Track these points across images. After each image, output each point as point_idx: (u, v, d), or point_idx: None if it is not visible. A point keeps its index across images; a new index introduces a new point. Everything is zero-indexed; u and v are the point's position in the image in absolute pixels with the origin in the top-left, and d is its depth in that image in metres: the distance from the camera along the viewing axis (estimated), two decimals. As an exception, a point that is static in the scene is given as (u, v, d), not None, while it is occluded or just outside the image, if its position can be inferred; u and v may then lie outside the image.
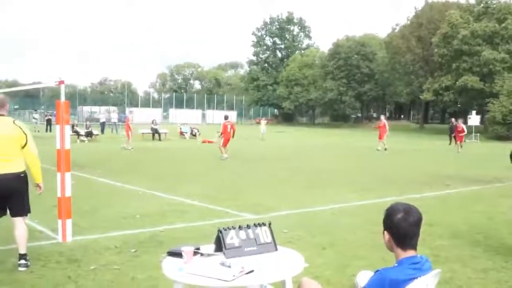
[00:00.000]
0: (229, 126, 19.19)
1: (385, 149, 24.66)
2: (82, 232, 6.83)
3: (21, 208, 5.47)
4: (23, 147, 5.42)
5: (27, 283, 4.86)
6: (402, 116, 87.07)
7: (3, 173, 5.26)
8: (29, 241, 5.75)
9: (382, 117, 28.10)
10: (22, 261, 5.34)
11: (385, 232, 2.67)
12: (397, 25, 64.28)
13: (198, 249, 3.38)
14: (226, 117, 20.08)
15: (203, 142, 30.62)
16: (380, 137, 25.68)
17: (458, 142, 26.39)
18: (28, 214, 5.66)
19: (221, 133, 19.23)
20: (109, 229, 7.15)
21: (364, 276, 4.26)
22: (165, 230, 7.11)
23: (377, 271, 2.62)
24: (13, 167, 5.33)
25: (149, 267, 5.30)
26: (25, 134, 5.45)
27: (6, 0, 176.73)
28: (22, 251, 5.39)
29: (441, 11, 53.96)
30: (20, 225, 5.45)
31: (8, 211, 5.48)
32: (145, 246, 6.22)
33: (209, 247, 3.46)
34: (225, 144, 19.10)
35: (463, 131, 26.86)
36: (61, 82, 6.62)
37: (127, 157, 19.55)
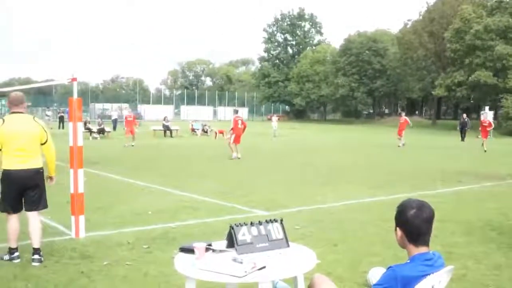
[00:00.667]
0: (239, 122, 18.16)
1: (403, 144, 24.99)
2: (95, 228, 6.87)
3: (38, 202, 5.63)
4: (43, 144, 5.61)
5: (41, 278, 4.91)
6: (418, 112, 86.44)
7: (26, 168, 5.44)
8: (43, 237, 5.82)
9: (403, 113, 28.03)
10: (36, 256, 5.43)
11: (398, 228, 2.66)
12: (409, 20, 63.75)
13: (210, 245, 3.39)
14: (236, 112, 19.32)
15: (219, 132, 31.00)
16: (399, 133, 25.86)
17: (484, 139, 24.19)
18: (43, 210, 5.75)
19: (231, 129, 18.05)
20: (122, 225, 7.19)
21: (376, 273, 4.26)
22: (177, 227, 7.14)
23: (389, 267, 2.61)
24: (34, 163, 5.52)
25: (162, 263, 5.33)
26: (46, 132, 5.66)
27: (19, 1, 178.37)
28: (36, 245, 5.48)
29: (454, 6, 53.45)
30: (34, 220, 5.57)
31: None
32: (157, 242, 6.25)
33: (221, 243, 3.47)
34: (237, 141, 17.85)
35: (490, 125, 25.60)
36: (74, 79, 6.67)
37: (139, 154, 19.65)
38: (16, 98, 5.63)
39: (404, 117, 26.57)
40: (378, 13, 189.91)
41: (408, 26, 62.60)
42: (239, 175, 13.36)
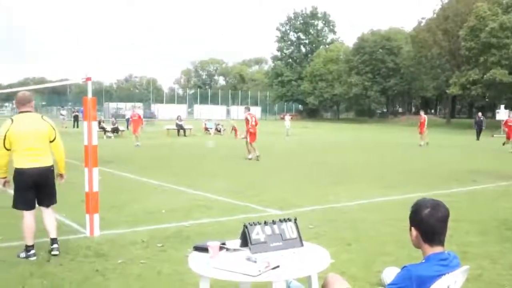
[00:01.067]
0: (253, 118, 17.44)
1: (423, 144, 24.85)
2: (109, 226, 6.92)
3: (50, 198, 5.82)
4: (51, 141, 5.70)
5: (56, 275, 4.96)
6: (431, 111, 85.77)
7: (38, 167, 5.56)
8: (58, 235, 5.89)
9: (422, 112, 27.81)
10: (55, 245, 5.66)
11: (412, 228, 2.64)
12: (423, 18, 63.25)
13: (224, 244, 3.40)
14: (248, 109, 18.62)
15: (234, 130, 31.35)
16: (421, 132, 25.71)
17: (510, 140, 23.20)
18: (58, 208, 5.83)
19: (247, 128, 17.24)
20: (136, 223, 7.24)
21: (390, 273, 4.24)
22: (190, 225, 7.16)
23: (404, 267, 2.60)
24: (45, 161, 5.64)
25: (175, 262, 5.35)
26: (54, 130, 5.75)
27: (34, 1, 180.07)
28: (53, 235, 5.70)
29: (468, 4, 52.92)
30: (49, 213, 5.78)
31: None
32: (171, 241, 6.28)
33: (235, 242, 3.48)
34: (253, 139, 17.14)
35: None
36: (88, 79, 6.71)
37: (152, 153, 19.75)
38: (24, 97, 5.72)
39: (424, 116, 26.36)
40: (392, 11, 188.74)
41: (422, 24, 62.11)
42: (252, 174, 13.37)
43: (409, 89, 71.72)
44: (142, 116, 26.32)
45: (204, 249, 3.31)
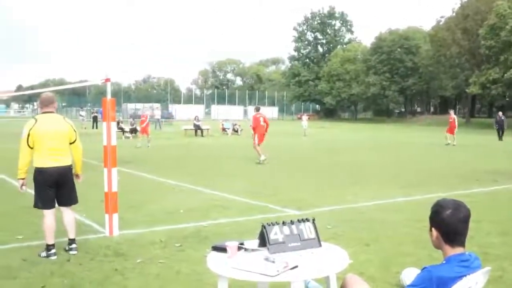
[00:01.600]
0: (261, 119, 16.40)
1: (449, 144, 24.62)
2: (128, 226, 6.97)
3: (70, 197, 5.90)
4: (72, 143, 5.80)
5: (76, 275, 5.02)
6: (455, 110, 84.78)
7: (59, 166, 5.65)
8: (78, 235, 5.97)
9: (451, 112, 27.52)
10: (73, 245, 5.76)
11: (433, 229, 2.61)
12: (442, 17, 62.59)
13: (242, 244, 3.40)
14: (257, 109, 17.44)
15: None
16: (451, 132, 25.46)
17: None
18: (78, 209, 5.90)
19: (253, 128, 16.51)
20: (154, 223, 7.28)
21: (410, 273, 4.21)
22: (208, 225, 7.18)
23: (424, 268, 2.57)
24: (65, 160, 5.74)
25: (194, 262, 5.37)
26: (75, 131, 5.85)
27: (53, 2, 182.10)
28: (72, 236, 5.79)
29: (488, 2, 52.20)
30: (68, 213, 5.87)
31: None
32: (190, 241, 6.30)
33: (253, 243, 3.47)
34: (260, 140, 16.23)
35: None
36: (107, 80, 6.78)
37: (170, 153, 19.86)
38: (47, 98, 5.82)
39: (453, 115, 26.11)
40: (410, 10, 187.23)
41: (441, 23, 61.48)
42: (270, 174, 13.36)
43: (427, 89, 71.06)
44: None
45: (222, 249, 3.31)
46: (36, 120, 5.65)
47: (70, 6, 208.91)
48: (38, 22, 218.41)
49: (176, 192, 10.33)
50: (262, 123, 16.39)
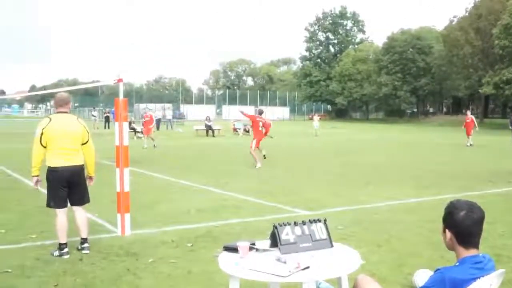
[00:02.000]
0: (260, 124, 15.56)
1: (471, 145, 24.44)
2: (140, 226, 7.00)
3: (82, 197, 5.94)
4: (84, 143, 5.82)
5: (89, 274, 5.05)
6: (463, 111, 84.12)
7: (72, 165, 5.70)
8: (90, 234, 6.00)
9: (468, 112, 27.35)
10: (86, 245, 5.81)
11: (447, 230, 2.59)
12: (454, 17, 62.15)
13: (253, 244, 3.39)
14: (260, 112, 16.25)
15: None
16: (469, 133, 25.37)
17: None
18: (90, 208, 5.93)
19: (249, 129, 16.11)
20: (166, 223, 7.31)
21: (422, 275, 4.18)
22: (219, 226, 7.19)
23: (437, 270, 2.55)
24: (78, 160, 5.78)
25: (205, 261, 5.38)
26: (88, 132, 5.89)
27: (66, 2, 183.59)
28: (84, 235, 5.84)
29: (502, 1, 51.69)
30: (80, 213, 5.91)
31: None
32: (201, 241, 6.31)
33: (265, 243, 3.47)
34: (257, 145, 15.54)
35: None
36: (120, 80, 6.81)
37: (181, 153, 19.91)
38: (62, 98, 5.87)
39: (470, 116, 26.00)
40: (422, 10, 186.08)
41: (453, 23, 61.02)
42: (281, 175, 13.35)
43: (440, 89, 70.57)
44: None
45: (233, 249, 3.31)
46: (50, 119, 5.70)
47: (81, 7, 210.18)
48: (50, 22, 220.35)
49: (187, 192, 10.35)
50: (260, 128, 15.61)
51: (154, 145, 22.60)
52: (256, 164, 14.88)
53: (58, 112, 5.81)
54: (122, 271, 5.14)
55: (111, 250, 5.90)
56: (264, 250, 3.35)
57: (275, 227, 3.40)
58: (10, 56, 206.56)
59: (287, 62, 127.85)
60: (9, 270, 5.12)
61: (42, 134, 5.57)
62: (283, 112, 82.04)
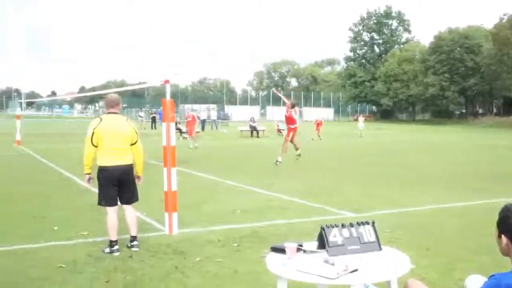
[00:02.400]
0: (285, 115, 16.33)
1: None
2: (187, 225, 7.11)
3: (132, 195, 6.08)
4: (133, 144, 5.97)
5: (138, 271, 5.18)
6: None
7: (122, 164, 5.86)
8: (139, 233, 6.14)
9: None
10: (135, 242, 5.95)
11: (502, 235, 2.52)
12: (504, 15, 60.08)
13: (301, 245, 3.40)
14: (293, 105, 16.47)
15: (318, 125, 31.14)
16: None
17: None
18: (139, 207, 6.08)
19: (289, 124, 16.26)
20: (212, 223, 7.39)
21: (475, 281, 4.05)
22: (265, 226, 7.22)
23: (491, 276, 2.48)
24: (127, 159, 5.93)
25: (251, 262, 5.42)
26: (137, 133, 6.04)
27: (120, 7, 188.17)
28: (134, 233, 5.99)
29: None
30: (130, 211, 6.05)
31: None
32: (247, 241, 6.36)
33: (312, 244, 3.47)
34: (287, 136, 16.29)
35: None
36: (166, 81, 6.95)
37: (226, 154, 20.09)
38: (112, 99, 6.05)
39: None
40: (470, 8, 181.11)
41: (503, 20, 59.07)
42: (326, 176, 13.26)
43: (490, 89, 68.42)
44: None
45: (281, 250, 3.33)
46: (101, 120, 5.88)
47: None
48: (106, 26, 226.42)
49: (232, 193, 10.44)
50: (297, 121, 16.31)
51: (196, 146, 22.68)
52: (278, 157, 15.45)
53: (109, 113, 5.98)
54: (171, 269, 5.24)
55: (159, 248, 6.02)
56: (312, 252, 3.35)
57: (322, 228, 3.39)
58: (61, 57, 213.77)
59: (331, 62, 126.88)
60: (63, 265, 5.31)
61: (93, 134, 5.75)
62: (328, 113, 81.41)
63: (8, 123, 37.98)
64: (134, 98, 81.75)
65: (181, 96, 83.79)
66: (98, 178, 5.89)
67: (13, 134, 23.99)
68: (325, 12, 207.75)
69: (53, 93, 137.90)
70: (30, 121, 49.28)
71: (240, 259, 5.60)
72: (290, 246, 3.26)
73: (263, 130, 34.36)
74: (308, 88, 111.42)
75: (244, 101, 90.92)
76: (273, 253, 3.40)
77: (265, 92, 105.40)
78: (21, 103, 55.36)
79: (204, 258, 5.63)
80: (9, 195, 9.84)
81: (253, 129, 33.63)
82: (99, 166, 5.84)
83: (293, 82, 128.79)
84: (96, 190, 6.02)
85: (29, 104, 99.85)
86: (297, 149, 16.61)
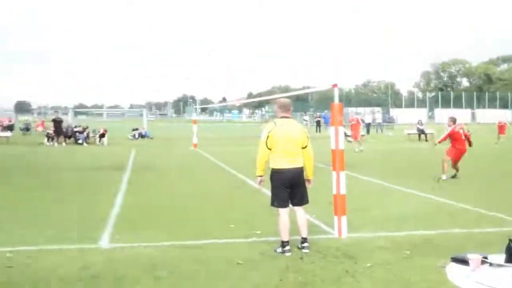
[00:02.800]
0: (461, 132, 13.24)
1: None
2: (355, 229, 7.07)
3: (303, 198, 6.22)
4: (304, 147, 6.12)
5: (309, 272, 5.29)
6: None
7: (294, 167, 6.04)
8: (309, 234, 6.26)
9: None
10: (306, 244, 6.09)
11: None
12: None
13: (485, 258, 3.20)
14: (454, 121, 13.46)
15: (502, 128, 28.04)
16: None
17: None
18: (307, 210, 6.21)
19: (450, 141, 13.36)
20: (380, 228, 7.27)
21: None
22: (438, 234, 6.88)
23: None
24: (299, 162, 6.09)
25: (425, 270, 5.18)
26: (307, 138, 6.19)
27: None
28: (305, 235, 6.13)
29: None
30: (301, 213, 6.21)
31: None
32: (419, 249, 6.10)
33: (499, 257, 3.24)
34: (458, 156, 13.15)
35: None
36: (335, 85, 7.00)
37: (393, 158, 19.58)
38: (285, 104, 6.27)
39: None
40: None
41: None
42: (503, 183, 12.16)
43: None
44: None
45: (463, 261, 3.17)
46: (275, 124, 6.12)
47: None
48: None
49: (400, 198, 10.16)
50: (463, 137, 13.24)
51: (361, 150, 22.39)
52: (441, 175, 12.84)
53: (282, 117, 6.20)
54: (341, 272, 5.26)
55: (328, 251, 6.07)
56: (499, 265, 3.13)
57: (510, 241, 3.15)
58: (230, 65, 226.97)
59: (507, 60, 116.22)
60: (241, 262, 5.64)
61: (268, 137, 6.01)
62: (505, 115, 74.68)
63: (186, 127, 41.26)
64: (298, 102, 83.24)
65: (345, 99, 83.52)
66: (272, 180, 6.13)
67: (190, 137, 26.12)
68: (500, 8, 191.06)
69: (224, 99, 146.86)
70: (203, 126, 53.13)
71: (411, 267, 5.39)
72: (474, 257, 3.10)
73: (432, 133, 32.74)
74: (482, 87, 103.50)
75: (410, 103, 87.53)
76: (453, 264, 3.25)
77: (433, 94, 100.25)
78: (195, 108, 60.00)
79: (374, 263, 5.54)
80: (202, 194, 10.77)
81: (421, 132, 32.31)
82: (273, 169, 6.08)
83: (464, 82, 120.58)
84: (266, 191, 6.28)
85: (203, 110, 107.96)
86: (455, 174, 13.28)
